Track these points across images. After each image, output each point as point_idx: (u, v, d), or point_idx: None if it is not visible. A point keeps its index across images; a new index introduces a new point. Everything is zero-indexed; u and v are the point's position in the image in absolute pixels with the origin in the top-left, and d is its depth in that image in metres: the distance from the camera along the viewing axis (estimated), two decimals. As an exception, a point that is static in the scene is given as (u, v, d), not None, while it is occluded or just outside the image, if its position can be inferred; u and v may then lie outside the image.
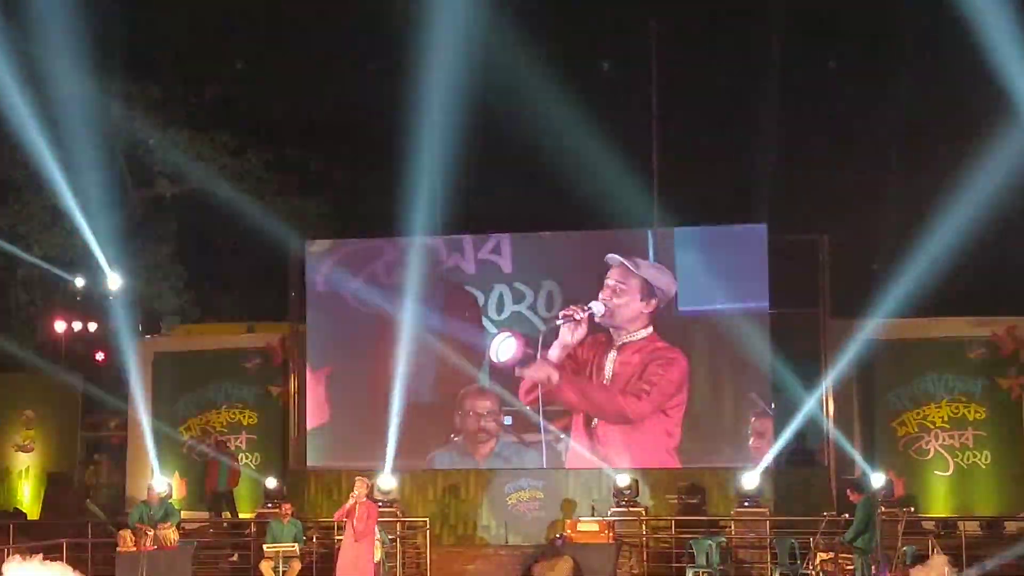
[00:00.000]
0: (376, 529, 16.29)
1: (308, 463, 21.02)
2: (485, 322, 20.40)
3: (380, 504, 18.21)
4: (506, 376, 20.41)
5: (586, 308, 20.09)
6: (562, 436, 20.20)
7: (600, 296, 20.26)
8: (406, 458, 20.28)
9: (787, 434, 20.86)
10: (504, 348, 20.23)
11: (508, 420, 20.26)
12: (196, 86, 24.85)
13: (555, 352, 20.20)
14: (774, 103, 21.97)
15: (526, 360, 20.14)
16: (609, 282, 20.27)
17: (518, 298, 20.35)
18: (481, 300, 20.45)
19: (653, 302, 20.33)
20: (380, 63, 24.49)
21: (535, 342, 20.23)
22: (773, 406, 20.39)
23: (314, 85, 24.13)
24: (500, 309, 20.32)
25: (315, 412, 20.77)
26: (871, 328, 21.29)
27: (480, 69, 23.32)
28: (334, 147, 25.27)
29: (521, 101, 24.51)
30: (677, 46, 21.69)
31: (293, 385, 21.97)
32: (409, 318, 20.02)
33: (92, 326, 23.10)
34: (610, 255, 20.26)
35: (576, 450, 20.37)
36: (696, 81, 22.03)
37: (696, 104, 21.91)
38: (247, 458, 22.56)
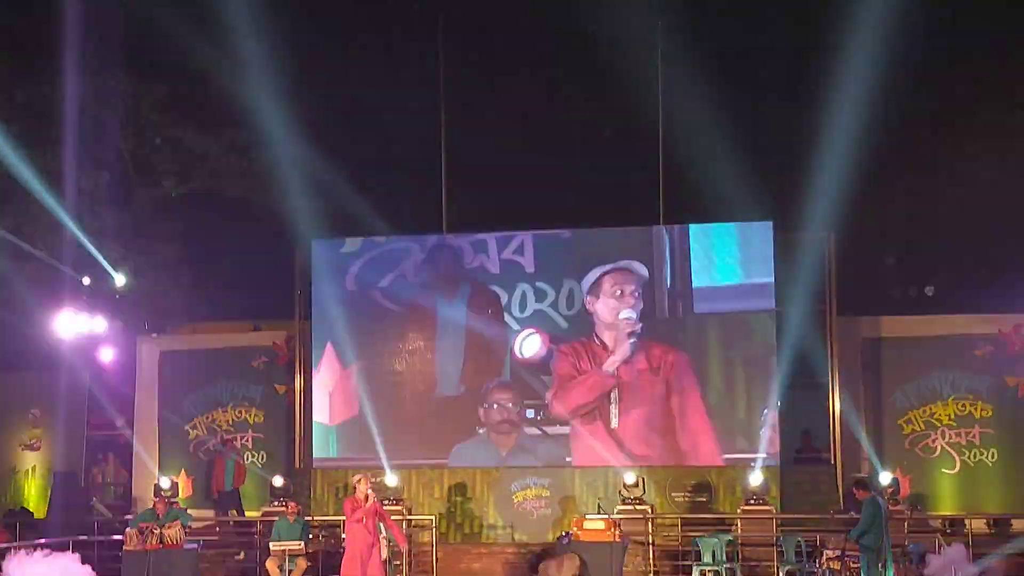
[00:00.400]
0: (381, 527, 16.29)
1: (337, 454, 21.20)
2: (508, 319, 20.79)
3: (384, 502, 18.25)
4: (529, 371, 20.72)
5: (634, 320, 20.28)
6: (580, 429, 20.47)
7: (621, 304, 20.35)
8: (429, 451, 20.73)
9: (792, 432, 20.94)
10: (528, 344, 20.67)
11: (531, 413, 20.59)
12: (201, 84, 24.81)
13: (611, 367, 20.42)
14: (781, 99, 21.94)
15: (550, 356, 20.55)
16: (629, 287, 20.51)
17: (540, 297, 20.75)
18: (504, 299, 20.84)
19: (641, 304, 20.50)
20: (384, 59, 24.49)
21: (558, 339, 20.62)
22: (780, 404, 20.36)
23: (319, 82, 24.10)
24: (523, 307, 20.76)
25: (345, 406, 21.08)
26: (878, 325, 21.31)
27: (483, 66, 23.35)
28: (340, 145, 25.24)
29: (525, 97, 24.53)
30: (682, 43, 21.67)
31: (299, 383, 22.00)
32: (435, 316, 20.74)
33: (98, 325, 23.06)
34: (634, 263, 20.51)
35: (594, 445, 20.52)
36: (702, 76, 21.98)
37: (702, 100, 21.84)
38: (253, 456, 22.61)
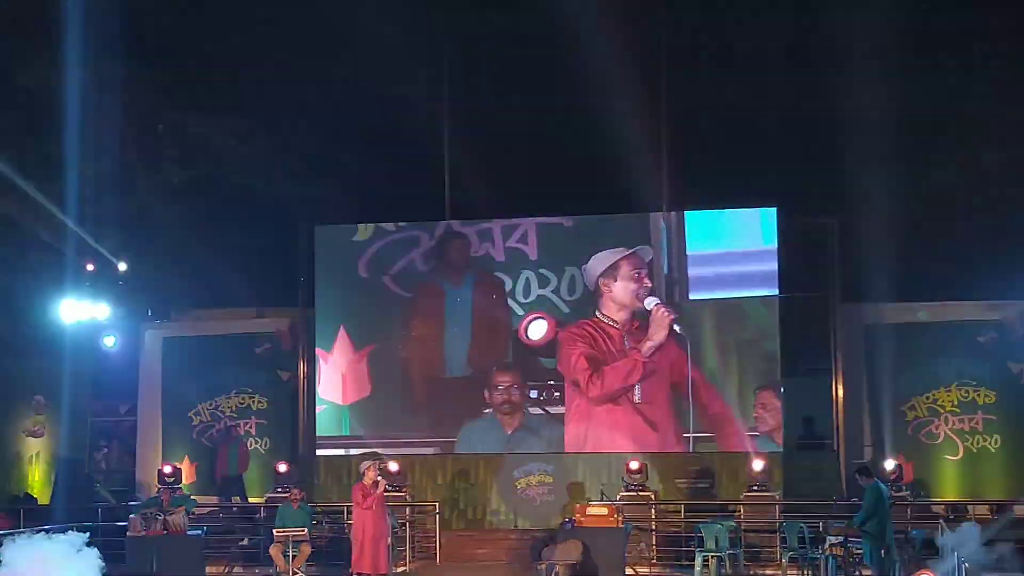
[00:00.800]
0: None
1: (349, 432, 21.57)
2: (512, 304, 21.33)
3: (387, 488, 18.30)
4: (534, 353, 21.19)
5: (667, 309, 20.59)
6: (597, 410, 20.82)
7: (640, 288, 20.62)
8: (439, 430, 21.28)
9: (794, 419, 20.96)
10: (535, 328, 21.19)
11: (534, 393, 21.06)
12: (204, 70, 24.80)
13: (648, 352, 20.71)
14: (785, 85, 21.90)
15: (556, 339, 21.02)
16: (645, 271, 20.87)
17: (543, 283, 21.28)
18: (509, 285, 21.35)
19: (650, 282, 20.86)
20: (386, 46, 24.45)
21: (563, 323, 21.04)
22: (783, 390, 20.37)
23: (322, 69, 24.08)
24: (527, 293, 21.32)
25: (357, 387, 21.55)
26: (881, 312, 21.29)
27: (484, 52, 23.32)
28: (343, 131, 25.24)
29: (529, 84, 24.47)
30: (686, 28, 21.64)
31: (302, 370, 22.06)
32: (444, 301, 21.41)
33: (102, 311, 23.09)
34: (646, 248, 20.89)
35: (593, 429, 20.77)
36: (707, 62, 21.98)
37: (707, 85, 21.84)
38: (256, 443, 22.64)
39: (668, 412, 20.51)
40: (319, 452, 21.47)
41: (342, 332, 21.65)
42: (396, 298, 21.60)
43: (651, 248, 20.88)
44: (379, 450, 20.77)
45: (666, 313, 20.55)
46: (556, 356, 20.99)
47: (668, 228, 20.89)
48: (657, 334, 20.60)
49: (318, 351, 21.72)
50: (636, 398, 20.62)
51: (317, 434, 21.63)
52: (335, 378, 21.60)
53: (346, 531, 18.31)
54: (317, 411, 21.68)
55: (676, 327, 20.50)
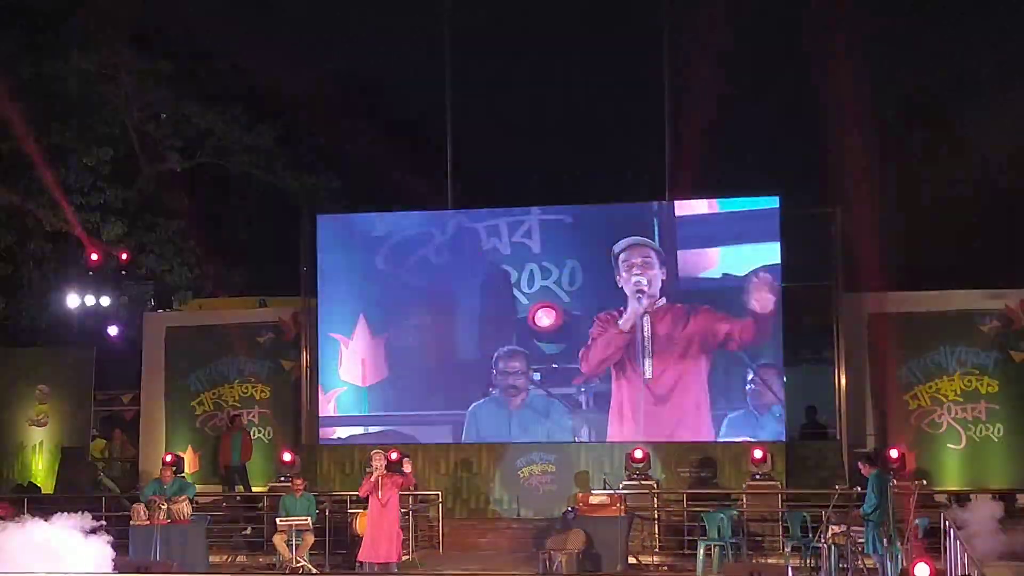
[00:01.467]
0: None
1: (368, 411, 21.97)
2: (517, 294, 21.94)
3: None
4: (538, 339, 21.79)
5: (643, 284, 21.14)
6: (583, 389, 21.48)
7: (631, 275, 21.09)
8: (451, 410, 21.85)
9: (797, 408, 20.95)
10: (543, 316, 21.84)
11: (537, 376, 21.73)
12: (207, 60, 24.81)
13: (626, 325, 21.27)
14: (788, 75, 21.90)
15: (564, 326, 21.71)
16: (635, 259, 21.26)
17: (546, 274, 21.88)
18: (514, 277, 21.94)
19: (664, 270, 21.14)
20: (386, 36, 24.48)
21: (566, 312, 21.67)
22: (785, 379, 20.38)
23: (324, 59, 24.10)
24: (531, 284, 21.96)
25: (376, 370, 22.12)
26: (883, 301, 21.27)
27: (488, 41, 23.33)
28: (345, 121, 25.26)
29: (531, 73, 24.50)
30: (691, 18, 21.64)
31: (306, 359, 22.12)
32: (454, 291, 22.19)
33: (104, 300, 23.11)
34: (630, 239, 21.26)
35: (594, 417, 21.24)
36: (710, 52, 21.97)
37: (710, 75, 21.83)
38: (259, 432, 22.66)
39: (676, 395, 20.69)
40: (337, 432, 21.79)
41: (361, 319, 22.10)
42: (411, 288, 22.14)
43: (650, 238, 21.06)
44: (396, 428, 21.50)
45: (636, 284, 21.09)
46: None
47: (667, 218, 21.05)
48: (631, 305, 21.19)
49: (339, 336, 21.99)
50: (647, 372, 21.02)
51: (337, 414, 22.01)
52: (355, 362, 22.13)
53: (349, 520, 18.37)
54: (339, 392, 22.04)
55: (638, 295, 21.03)
